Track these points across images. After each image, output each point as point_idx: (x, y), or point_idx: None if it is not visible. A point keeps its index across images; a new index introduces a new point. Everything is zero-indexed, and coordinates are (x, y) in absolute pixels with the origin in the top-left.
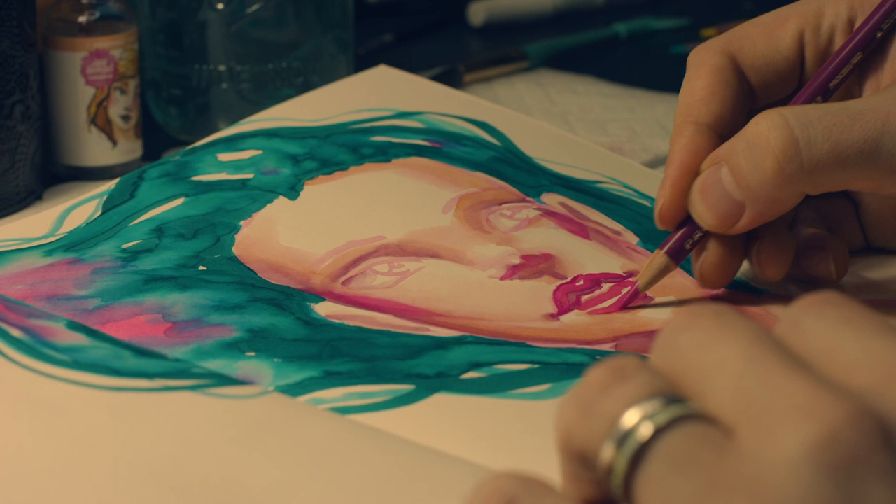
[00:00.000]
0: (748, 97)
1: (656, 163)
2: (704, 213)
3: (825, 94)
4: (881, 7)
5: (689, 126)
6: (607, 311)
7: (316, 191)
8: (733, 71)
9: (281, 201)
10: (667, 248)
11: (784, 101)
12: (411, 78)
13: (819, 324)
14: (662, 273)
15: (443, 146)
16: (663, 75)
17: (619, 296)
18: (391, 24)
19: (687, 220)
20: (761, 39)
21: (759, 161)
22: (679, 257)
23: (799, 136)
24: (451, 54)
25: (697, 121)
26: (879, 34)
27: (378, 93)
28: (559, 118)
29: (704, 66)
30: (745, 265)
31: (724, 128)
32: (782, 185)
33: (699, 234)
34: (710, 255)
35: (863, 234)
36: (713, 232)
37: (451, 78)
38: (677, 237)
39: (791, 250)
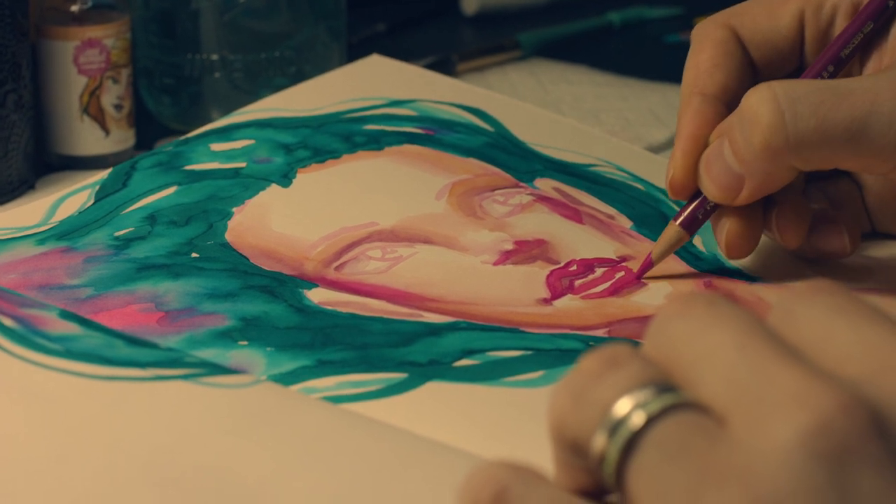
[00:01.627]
0: (752, 69)
1: (650, 152)
2: (708, 184)
3: (837, 64)
4: None
5: (696, 97)
6: (600, 295)
7: (308, 178)
8: (736, 43)
9: (273, 189)
10: (680, 219)
11: (786, 77)
12: (404, 67)
13: (811, 312)
14: (677, 244)
15: (435, 133)
16: (657, 64)
17: (613, 281)
18: (384, 14)
19: (699, 192)
20: (762, 16)
21: (749, 135)
22: (692, 228)
23: (785, 109)
24: (444, 43)
25: (703, 91)
26: (892, 3)
27: (370, 82)
28: (552, 107)
29: (707, 39)
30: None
31: (731, 98)
32: (770, 159)
33: (711, 206)
34: (732, 225)
35: (868, 217)
36: (720, 204)
37: (444, 67)
38: (691, 209)
39: (808, 217)
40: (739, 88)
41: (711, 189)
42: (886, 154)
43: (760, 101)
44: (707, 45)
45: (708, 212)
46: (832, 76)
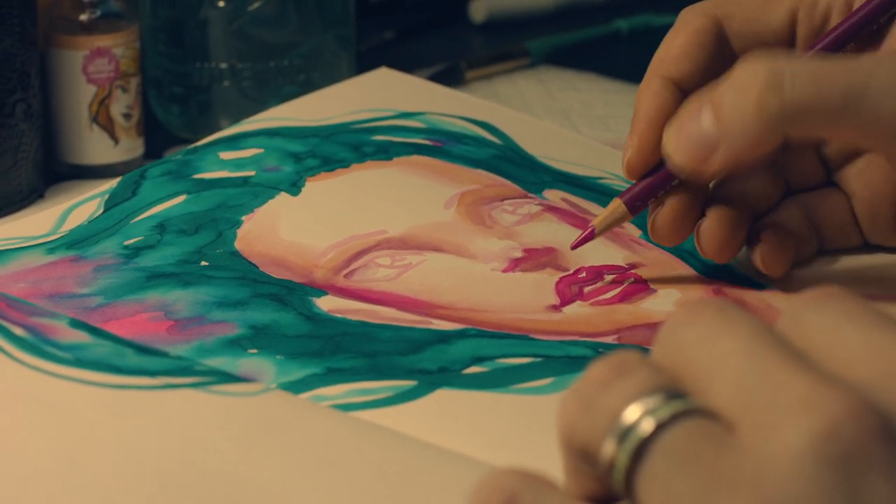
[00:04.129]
0: (727, 63)
1: None
2: (675, 150)
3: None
4: None
5: (657, 79)
6: (610, 301)
7: (318, 187)
8: (714, 35)
9: (283, 197)
10: (626, 197)
11: None
12: (413, 80)
13: (820, 318)
14: (618, 220)
15: (444, 145)
16: None
17: (623, 287)
18: (392, 22)
19: (654, 171)
20: (754, 9)
21: (741, 95)
22: (636, 206)
23: (785, 70)
24: (452, 51)
25: (664, 75)
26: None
27: (379, 94)
28: (561, 115)
29: (686, 25)
30: (743, 257)
31: (693, 88)
32: (762, 122)
33: (663, 186)
34: (666, 209)
35: (858, 230)
36: (681, 178)
37: (452, 75)
38: (640, 186)
39: (740, 234)
40: (703, 81)
41: (678, 154)
42: (882, 126)
43: (757, 65)
44: (683, 32)
45: (657, 190)
46: None
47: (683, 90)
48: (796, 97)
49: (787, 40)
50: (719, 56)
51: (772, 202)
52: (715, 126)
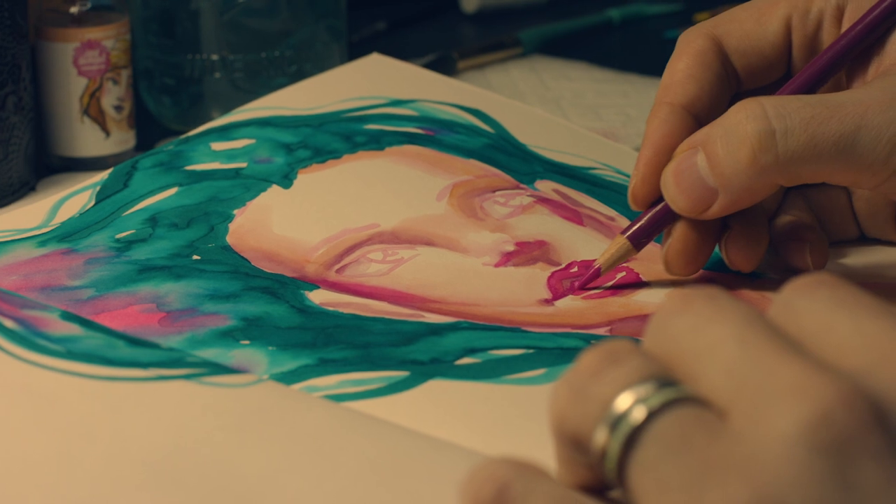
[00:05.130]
0: (731, 81)
1: None
2: (677, 196)
3: (813, 89)
4: (876, 8)
5: (664, 107)
6: (602, 294)
7: (309, 179)
8: (715, 54)
9: (274, 190)
10: (629, 232)
11: (771, 87)
12: (404, 66)
13: (812, 305)
14: (624, 256)
15: (436, 134)
16: (657, 60)
17: (614, 281)
18: (384, 12)
19: (657, 202)
20: (749, 23)
21: (735, 149)
22: (640, 242)
23: (776, 126)
24: (444, 41)
25: (673, 101)
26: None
27: (371, 81)
28: (553, 104)
29: (687, 47)
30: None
31: (701, 110)
32: (756, 176)
33: (666, 218)
34: (676, 242)
35: (856, 224)
36: (683, 216)
37: (444, 65)
38: (642, 222)
39: (763, 242)
40: (712, 101)
41: (679, 201)
42: (875, 168)
43: (749, 116)
44: (685, 54)
45: (661, 225)
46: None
47: (693, 114)
48: (789, 150)
49: (783, 51)
50: (724, 75)
51: (778, 200)
52: (712, 177)
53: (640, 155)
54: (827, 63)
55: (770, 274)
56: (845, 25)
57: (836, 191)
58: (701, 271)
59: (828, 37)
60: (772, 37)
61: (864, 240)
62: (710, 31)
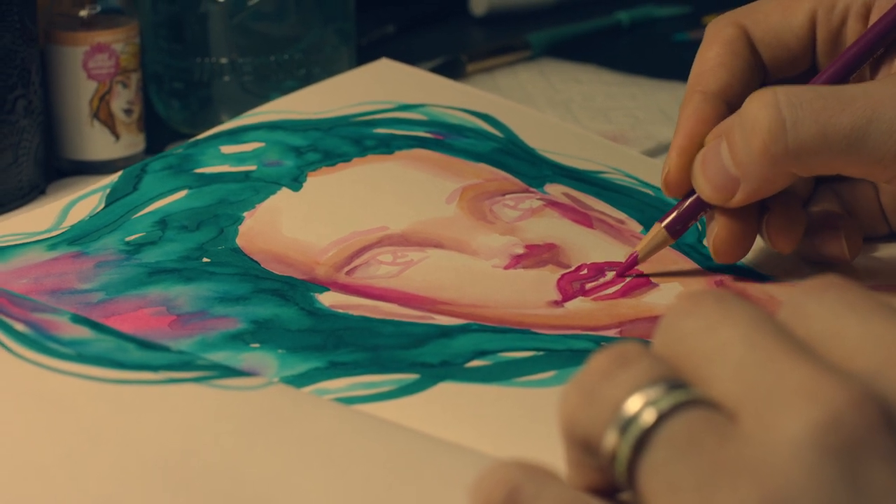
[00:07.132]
0: (760, 69)
1: (659, 150)
2: (703, 184)
3: (844, 79)
4: None
5: (697, 95)
6: (612, 296)
7: (319, 182)
8: (744, 42)
9: (284, 193)
10: (666, 221)
11: (796, 79)
12: (413, 71)
13: (821, 308)
14: (662, 245)
15: (445, 138)
16: (666, 63)
17: (624, 283)
18: (393, 15)
19: (691, 193)
20: (775, 15)
21: (748, 138)
22: (678, 231)
23: (786, 116)
24: (453, 44)
25: (705, 89)
26: None
27: (380, 86)
28: (562, 107)
29: (716, 36)
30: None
31: (734, 97)
32: (768, 165)
33: (702, 207)
34: (721, 230)
35: (885, 219)
36: (714, 205)
37: (453, 68)
38: (679, 211)
39: (802, 224)
40: (743, 89)
41: (706, 189)
42: (887, 162)
43: (761, 105)
44: (715, 43)
45: (697, 213)
46: (843, 80)
47: (725, 102)
48: (799, 140)
49: (808, 44)
50: (753, 63)
51: (810, 189)
52: (733, 165)
53: (673, 143)
54: (855, 55)
55: (779, 277)
56: (873, 20)
57: (864, 185)
58: (709, 273)
59: (851, 33)
60: (797, 29)
61: (892, 236)
62: (738, 20)
